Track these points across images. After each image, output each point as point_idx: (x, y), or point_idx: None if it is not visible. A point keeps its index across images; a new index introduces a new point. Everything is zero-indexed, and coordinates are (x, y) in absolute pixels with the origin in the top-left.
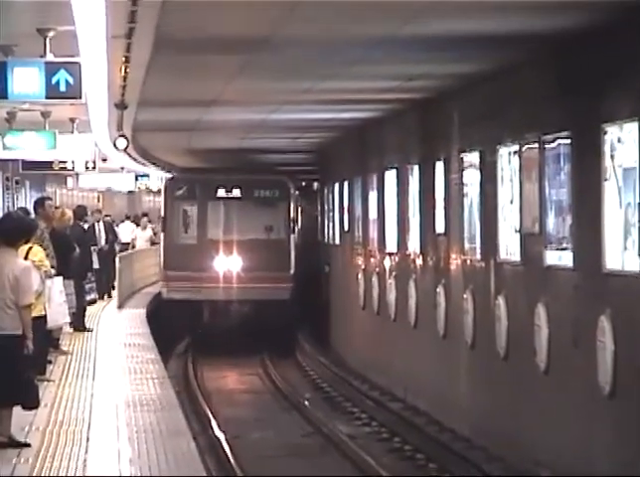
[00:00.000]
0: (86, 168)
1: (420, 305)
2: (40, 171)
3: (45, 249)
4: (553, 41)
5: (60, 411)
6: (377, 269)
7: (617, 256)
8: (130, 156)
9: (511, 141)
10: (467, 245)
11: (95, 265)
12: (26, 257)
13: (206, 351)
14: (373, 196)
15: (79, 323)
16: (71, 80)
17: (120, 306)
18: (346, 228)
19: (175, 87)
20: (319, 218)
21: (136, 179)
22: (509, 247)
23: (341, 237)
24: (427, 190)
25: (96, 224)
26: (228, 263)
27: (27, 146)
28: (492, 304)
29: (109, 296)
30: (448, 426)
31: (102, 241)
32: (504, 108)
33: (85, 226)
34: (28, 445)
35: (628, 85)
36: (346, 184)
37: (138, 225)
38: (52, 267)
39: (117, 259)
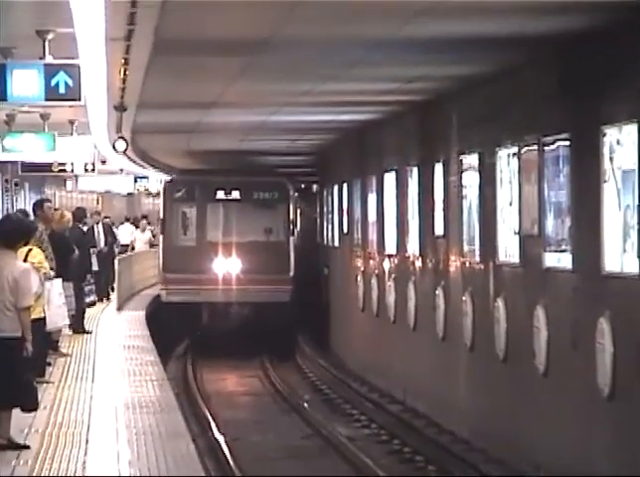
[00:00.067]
0: (86, 170)
1: (420, 307)
2: (39, 173)
3: (43, 251)
4: (552, 43)
5: (59, 414)
6: (376, 271)
7: (616, 258)
8: (129, 158)
9: (510, 143)
10: (466, 248)
11: (95, 268)
12: (25, 259)
13: (205, 354)
14: (372, 198)
15: (78, 325)
16: (70, 83)
17: (120, 308)
18: (345, 230)
19: (174, 90)
20: (318, 220)
21: (135, 181)
22: (508, 249)
23: (340, 239)
24: (426, 192)
25: (96, 226)
26: (227, 266)
27: (26, 148)
28: (491, 306)
29: (108, 299)
30: (447, 428)
31: (102, 244)
32: (503, 110)
33: (85, 228)
34: (27, 447)
35: (627, 88)
36: (345, 186)
37: (138, 227)
38: (51, 269)
39: (116, 261)
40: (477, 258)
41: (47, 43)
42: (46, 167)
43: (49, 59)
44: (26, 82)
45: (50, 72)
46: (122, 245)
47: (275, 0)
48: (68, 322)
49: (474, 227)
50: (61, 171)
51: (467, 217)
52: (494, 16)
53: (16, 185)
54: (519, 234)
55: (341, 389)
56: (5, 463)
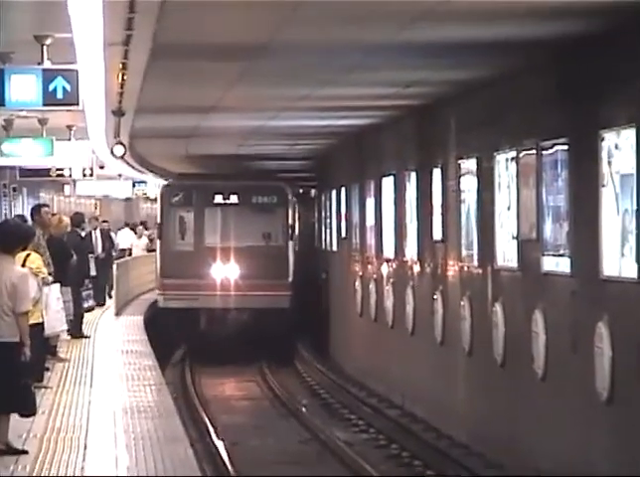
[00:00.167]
0: (84, 175)
1: (418, 312)
2: (37, 178)
3: (41, 256)
4: (550, 47)
5: (57, 418)
6: (374, 276)
7: (615, 263)
8: (128, 163)
9: (508, 147)
10: (464, 252)
11: (93, 273)
12: (23, 264)
13: (203, 360)
14: (370, 202)
15: (76, 330)
16: (68, 88)
17: (118, 313)
18: (343, 234)
19: (172, 94)
20: (317, 224)
21: (133, 186)
22: (506, 254)
23: (338, 243)
24: (425, 196)
25: (93, 231)
26: (225, 271)
27: (24, 153)
28: (489, 311)
29: (103, 304)
30: (446, 433)
31: (99, 249)
32: (501, 115)
33: (83, 233)
34: (25, 452)
35: (626, 92)
36: (343, 190)
37: (137, 232)
38: (49, 274)
39: (114, 266)
40: (475, 263)
41: (45, 48)
42: (44, 172)
43: (47, 64)
44: (24, 87)
45: (48, 77)
46: (121, 250)
47: (274, 3)
48: (66, 327)
49: (472, 231)
50: (59, 176)
51: (465, 221)
52: (492, 21)
53: (14, 190)
54: (517, 238)
55: (339, 393)
56: (3, 468)
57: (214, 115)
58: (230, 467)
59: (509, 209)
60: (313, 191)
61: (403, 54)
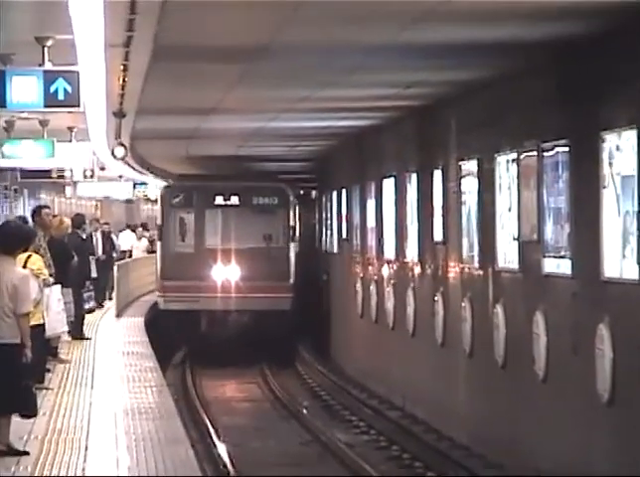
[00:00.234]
0: (85, 176)
1: (419, 313)
2: (38, 179)
3: (42, 257)
4: (551, 48)
5: (58, 420)
6: (375, 277)
7: (616, 264)
8: (128, 164)
9: (509, 149)
10: (465, 253)
11: (94, 274)
12: (25, 266)
13: (204, 363)
14: (371, 204)
15: (77, 331)
16: (69, 89)
17: (119, 315)
18: (344, 236)
19: (173, 96)
20: (317, 226)
21: (134, 187)
22: (507, 255)
23: (339, 245)
24: (425, 198)
25: (94, 233)
26: (226, 273)
27: (25, 155)
28: (490, 312)
29: (102, 306)
30: (447, 434)
31: (99, 251)
32: (502, 116)
33: (84, 235)
34: (27, 454)
35: (626, 93)
36: (344, 192)
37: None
38: (50, 276)
39: (115, 268)
40: (476, 264)
41: (46, 49)
42: (45, 173)
43: (48, 65)
44: (25, 89)
45: (49, 78)
46: (122, 252)
47: (274, 4)
48: (67, 328)
49: (473, 233)
50: (60, 177)
51: (466, 223)
52: (492, 22)
53: (15, 191)
54: (518, 239)
55: (340, 395)
56: (4, 469)
57: (214, 117)
58: (231, 469)
59: (510, 210)
60: (314, 192)
61: (404, 55)
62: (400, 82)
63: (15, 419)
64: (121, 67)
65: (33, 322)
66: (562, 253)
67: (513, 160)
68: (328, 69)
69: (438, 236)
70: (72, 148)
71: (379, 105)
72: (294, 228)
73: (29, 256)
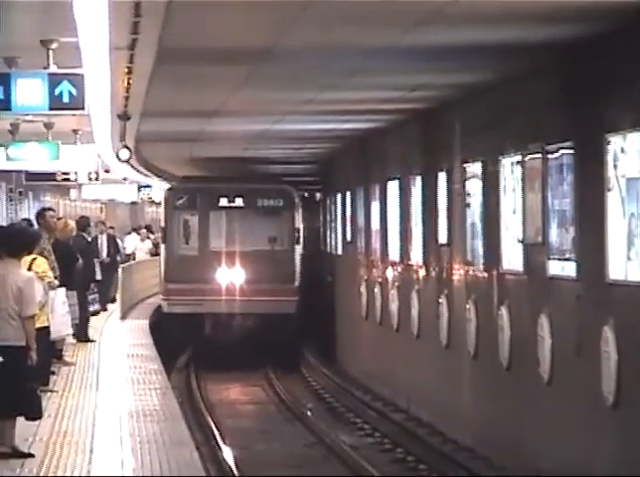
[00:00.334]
0: (89, 179)
1: (423, 315)
2: (43, 182)
3: (47, 260)
4: (555, 50)
5: (63, 422)
6: (379, 280)
7: (620, 267)
8: (133, 167)
9: (513, 151)
10: (470, 256)
11: (98, 277)
12: (30, 268)
13: (208, 367)
14: (375, 206)
15: (82, 334)
16: (74, 92)
17: (123, 317)
18: (348, 238)
19: (178, 98)
20: (322, 228)
21: (139, 190)
22: (512, 258)
23: (344, 247)
24: (430, 200)
25: (100, 235)
26: (230, 276)
27: (30, 157)
28: (495, 314)
29: (106, 309)
30: (451, 437)
31: (104, 254)
32: (506, 118)
33: (89, 238)
34: (32, 456)
35: (631, 95)
36: (348, 194)
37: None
38: (55, 278)
39: (120, 270)
40: (481, 267)
41: (51, 52)
42: (50, 176)
43: (53, 68)
44: (30, 92)
45: (54, 81)
46: (127, 255)
47: (279, 6)
48: (71, 331)
49: (478, 235)
50: (64, 180)
51: (471, 225)
52: (495, 24)
53: (20, 194)
54: (523, 242)
55: (345, 397)
56: (9, 472)
57: (218, 119)
58: (235, 471)
59: (514, 213)
60: (318, 194)
61: (408, 57)
62: (405, 85)
63: (20, 422)
64: (126, 69)
65: (38, 325)
66: (567, 256)
67: (517, 162)
68: (332, 71)
69: (443, 238)
70: (76, 151)
71: (383, 108)
72: (299, 230)
73: (34, 259)
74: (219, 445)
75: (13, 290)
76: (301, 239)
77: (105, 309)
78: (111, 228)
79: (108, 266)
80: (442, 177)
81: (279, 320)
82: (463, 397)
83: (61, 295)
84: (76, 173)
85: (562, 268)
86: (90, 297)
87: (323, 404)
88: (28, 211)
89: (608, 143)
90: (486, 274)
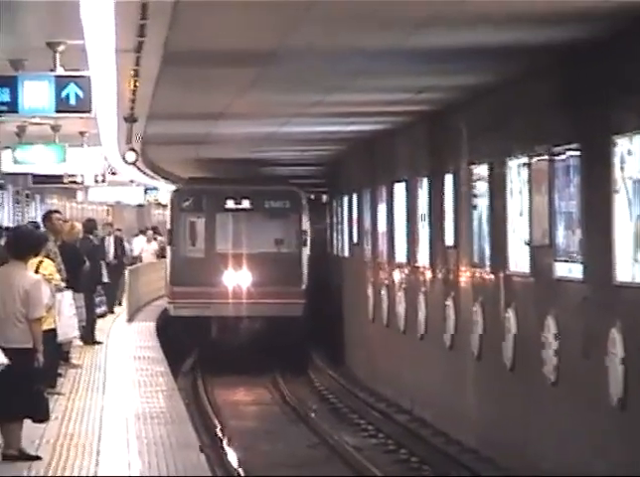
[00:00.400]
0: (96, 181)
1: (430, 317)
2: (49, 184)
3: (53, 262)
4: (560, 51)
5: (70, 424)
6: (386, 282)
7: (628, 268)
8: (140, 169)
9: (520, 153)
10: (476, 258)
11: (105, 279)
12: (37, 271)
13: (215, 370)
14: (382, 208)
15: (88, 336)
16: (80, 94)
17: (130, 319)
18: (355, 240)
19: (184, 101)
20: (328, 230)
21: (146, 192)
22: (518, 260)
23: (350, 249)
24: (437, 202)
25: (107, 237)
26: (237, 278)
27: (37, 160)
28: (502, 316)
29: (112, 311)
30: (455, 438)
31: (110, 256)
32: (513, 120)
33: (95, 240)
34: (39, 458)
35: (638, 96)
36: (355, 196)
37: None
38: (62, 280)
39: (127, 273)
40: (487, 269)
41: (57, 55)
42: (56, 178)
43: (59, 70)
44: (37, 94)
45: (60, 83)
46: (134, 257)
47: (285, 6)
48: (78, 333)
49: (484, 237)
50: (71, 182)
51: (477, 227)
52: (500, 26)
53: (27, 196)
54: (529, 244)
55: (349, 399)
56: (17, 474)
57: (225, 122)
58: (240, 471)
59: (521, 215)
60: (324, 196)
61: (414, 59)
62: (412, 87)
63: (27, 424)
64: (132, 72)
65: (45, 327)
66: (574, 258)
67: (524, 164)
68: (339, 74)
69: (449, 240)
70: (83, 153)
71: (389, 110)
72: (306, 232)
73: (41, 262)
74: (223, 448)
75: (20, 293)
76: (308, 242)
77: (112, 311)
78: (119, 230)
79: (115, 269)
80: (449, 179)
81: (286, 323)
82: (467, 399)
83: (67, 297)
84: (82, 175)
85: (569, 270)
86: (97, 299)
87: (326, 405)
88: (34, 213)
89: (615, 145)
90: (493, 276)
